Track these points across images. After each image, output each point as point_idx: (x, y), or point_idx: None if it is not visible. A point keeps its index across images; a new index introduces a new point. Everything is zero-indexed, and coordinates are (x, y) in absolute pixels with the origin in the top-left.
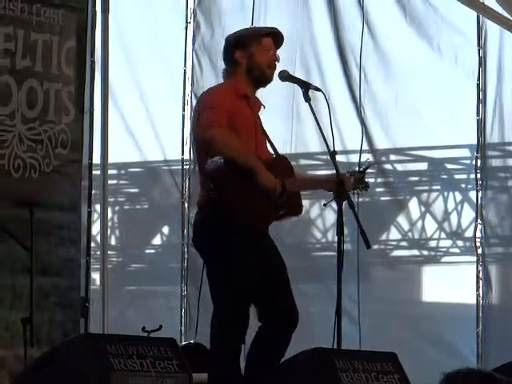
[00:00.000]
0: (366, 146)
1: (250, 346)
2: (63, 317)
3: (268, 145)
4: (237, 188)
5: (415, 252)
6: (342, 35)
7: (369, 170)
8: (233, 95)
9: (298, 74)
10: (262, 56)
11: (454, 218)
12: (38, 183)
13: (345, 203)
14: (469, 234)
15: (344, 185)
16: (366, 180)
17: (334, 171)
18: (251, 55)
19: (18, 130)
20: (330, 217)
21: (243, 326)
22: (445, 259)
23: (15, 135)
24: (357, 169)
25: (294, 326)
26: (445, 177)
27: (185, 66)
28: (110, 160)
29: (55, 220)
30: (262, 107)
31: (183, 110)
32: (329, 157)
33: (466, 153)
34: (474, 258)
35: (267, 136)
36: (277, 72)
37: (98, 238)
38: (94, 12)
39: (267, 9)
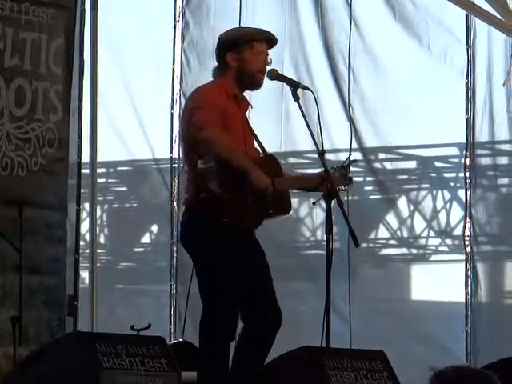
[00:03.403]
0: (355, 145)
1: (236, 345)
2: (50, 315)
3: (256, 144)
4: (227, 188)
5: (404, 250)
6: (330, 34)
7: (356, 169)
8: (223, 95)
9: (287, 72)
10: (254, 62)
11: (442, 216)
12: (26, 182)
13: (333, 201)
14: (457, 232)
15: (332, 183)
16: (349, 176)
17: (322, 169)
18: (243, 60)
19: (6, 129)
20: (320, 215)
21: (232, 324)
22: (434, 257)
23: (3, 134)
24: (342, 164)
25: (277, 326)
26: (434, 175)
27: (173, 65)
28: (99, 158)
29: (42, 219)
30: (250, 107)
31: (172, 109)
32: (317, 155)
33: (454, 151)
34: (463, 257)
35: (255, 135)
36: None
37: (87, 237)
38: (83, 10)
39: (255, 8)
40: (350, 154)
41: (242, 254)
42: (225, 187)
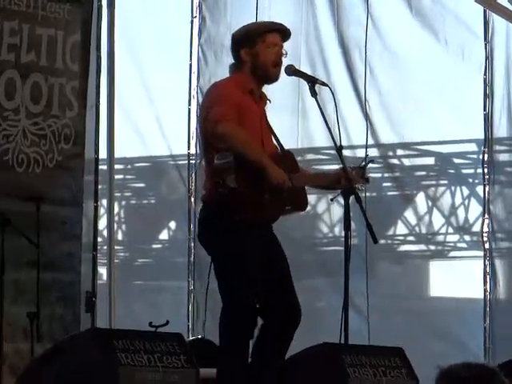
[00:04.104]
0: (372, 141)
1: (255, 341)
2: (64, 312)
3: (273, 140)
4: (244, 183)
5: (422, 247)
6: (347, 30)
7: (374, 165)
8: (239, 90)
9: (303, 68)
10: (267, 54)
11: (461, 212)
12: (42, 178)
13: (352, 198)
14: (476, 228)
15: (351, 179)
16: (367, 175)
17: (339, 166)
18: (256, 54)
19: (23, 125)
20: (337, 211)
21: (251, 321)
22: (452, 254)
23: (19, 130)
24: (360, 164)
25: (296, 323)
26: (452, 171)
27: (190, 61)
28: (116, 155)
29: (58, 214)
30: (268, 102)
31: (189, 105)
32: (335, 151)
33: (473, 147)
34: (481, 253)
35: (272, 131)
36: (283, 67)
37: (105, 233)
38: (100, 6)
39: (271, 3)
40: (367, 155)
41: (260, 250)
42: (242, 182)
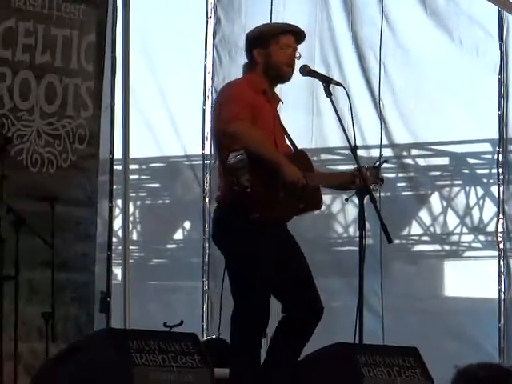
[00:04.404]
0: (387, 141)
1: (271, 339)
2: (78, 312)
3: (287, 140)
4: (258, 182)
5: (437, 247)
6: (361, 29)
7: (388, 165)
8: (252, 90)
9: (318, 69)
10: (279, 55)
11: (475, 212)
12: (56, 178)
13: (366, 198)
14: (490, 228)
15: (366, 179)
16: (382, 175)
17: (354, 166)
18: (268, 54)
19: (37, 125)
20: (352, 211)
21: (264, 320)
22: (466, 254)
23: (34, 130)
24: (374, 164)
25: (317, 318)
26: (466, 171)
27: (205, 61)
28: (131, 155)
29: (72, 215)
30: (281, 103)
31: (204, 105)
32: (350, 152)
33: (487, 147)
34: (496, 253)
35: (286, 131)
36: (297, 67)
37: (120, 233)
38: (115, 7)
39: (286, 4)
40: (381, 155)
41: (275, 249)
42: (256, 181)
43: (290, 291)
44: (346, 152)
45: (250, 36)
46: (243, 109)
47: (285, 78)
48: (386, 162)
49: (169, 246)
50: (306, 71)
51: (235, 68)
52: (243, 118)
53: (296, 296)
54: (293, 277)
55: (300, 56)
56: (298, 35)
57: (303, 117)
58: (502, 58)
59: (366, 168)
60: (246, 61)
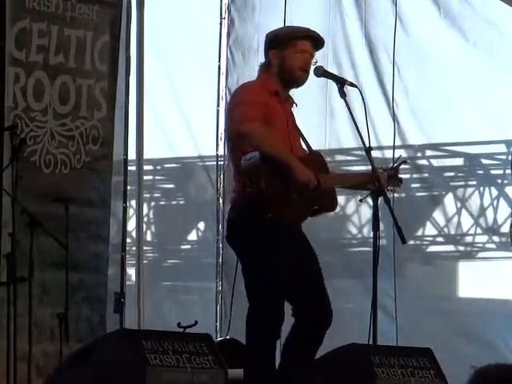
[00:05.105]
0: (401, 142)
1: (285, 342)
2: (90, 313)
3: (302, 142)
4: (271, 183)
5: (451, 248)
6: (374, 31)
7: (402, 166)
8: (264, 91)
9: (331, 70)
10: (294, 59)
11: (489, 213)
12: (69, 179)
13: (380, 199)
14: (505, 229)
15: (380, 181)
16: (400, 176)
17: (368, 167)
18: (284, 57)
19: (50, 126)
20: (366, 212)
21: (278, 321)
22: (481, 255)
23: (47, 131)
24: (390, 165)
25: (327, 323)
26: (481, 172)
27: (219, 62)
28: (145, 156)
29: (85, 216)
30: (294, 105)
31: (218, 106)
32: (364, 152)
33: (502, 148)
34: (510, 254)
35: (301, 133)
36: (312, 68)
37: (134, 234)
38: (129, 7)
39: (299, 5)
40: (400, 155)
41: (289, 250)
42: (269, 182)
43: (300, 293)
44: (361, 153)
45: (268, 36)
46: (255, 110)
47: (298, 82)
48: (404, 162)
49: (183, 247)
50: (321, 72)
51: (249, 69)
52: (254, 119)
53: (305, 298)
54: (304, 279)
55: (316, 62)
56: (316, 41)
57: (317, 118)
58: None
59: (384, 169)
60: (262, 61)
